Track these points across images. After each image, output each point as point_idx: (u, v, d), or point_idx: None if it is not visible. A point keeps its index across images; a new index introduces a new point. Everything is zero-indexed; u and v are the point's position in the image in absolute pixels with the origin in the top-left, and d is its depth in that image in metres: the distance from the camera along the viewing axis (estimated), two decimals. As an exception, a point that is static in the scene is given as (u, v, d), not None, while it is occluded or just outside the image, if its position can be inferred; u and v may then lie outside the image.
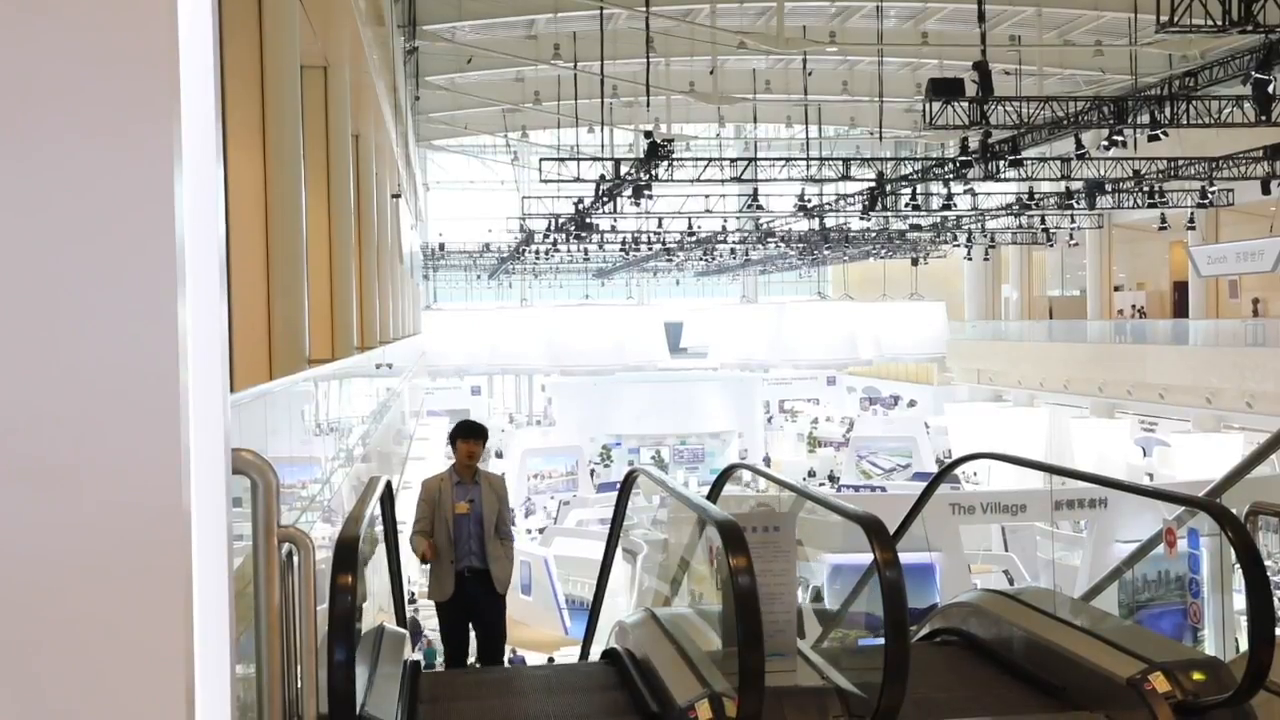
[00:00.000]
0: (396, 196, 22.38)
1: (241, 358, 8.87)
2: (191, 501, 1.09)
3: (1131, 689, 4.17)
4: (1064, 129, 22.12)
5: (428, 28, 26.04)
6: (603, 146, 30.35)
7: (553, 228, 33.55)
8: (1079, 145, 23.59)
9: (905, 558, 4.45)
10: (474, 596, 7.35)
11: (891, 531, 4.77)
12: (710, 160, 27.44)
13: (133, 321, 1.07)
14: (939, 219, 34.74)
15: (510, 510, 7.59)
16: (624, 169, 24.85)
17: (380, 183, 19.07)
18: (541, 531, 32.08)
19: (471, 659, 7.96)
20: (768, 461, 42.89)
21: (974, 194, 31.98)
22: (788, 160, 28.62)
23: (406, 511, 7.81)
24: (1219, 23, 14.15)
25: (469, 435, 7.61)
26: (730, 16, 28.61)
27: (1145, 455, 30.94)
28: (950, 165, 26.10)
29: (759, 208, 29.68)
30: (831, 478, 39.27)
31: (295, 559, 3.11)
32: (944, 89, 19.18)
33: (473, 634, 7.75)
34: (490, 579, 7.36)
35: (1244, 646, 4.43)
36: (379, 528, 6.08)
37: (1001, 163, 23.95)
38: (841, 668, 4.38)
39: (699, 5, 27.91)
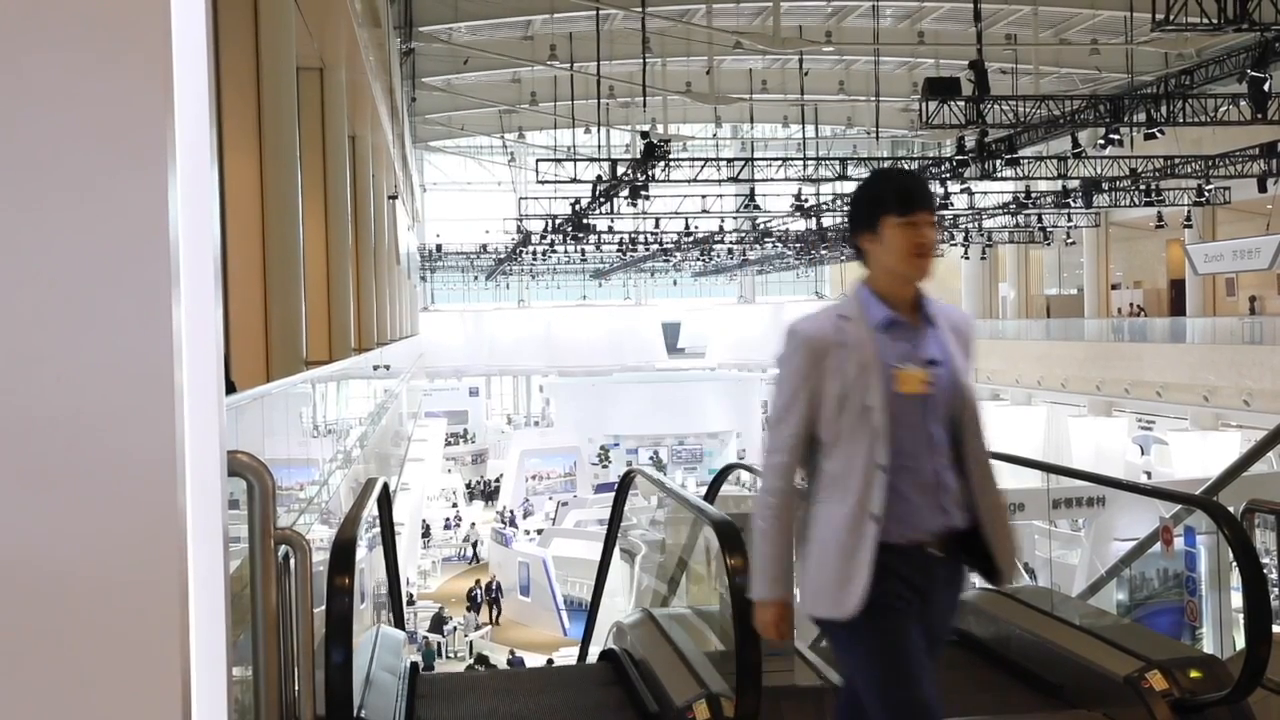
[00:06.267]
0: (393, 198, 22.37)
1: (239, 359, 8.87)
2: (187, 504, 1.09)
3: (1129, 687, 4.17)
4: (1060, 128, 22.15)
5: (424, 29, 26.07)
6: (599, 147, 30.36)
7: (550, 228, 33.56)
8: (1075, 144, 23.62)
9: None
10: (929, 603, 3.02)
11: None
12: (707, 160, 27.47)
13: (127, 324, 1.07)
14: (935, 218, 34.71)
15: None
16: (621, 169, 24.85)
17: (377, 184, 19.07)
18: (540, 533, 32.10)
19: None
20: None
21: (971, 193, 32.00)
22: (784, 160, 28.64)
23: (404, 513, 7.41)
24: (1214, 21, 14.18)
25: (911, 204, 3.14)
26: (726, 16, 28.63)
27: (1143, 453, 30.98)
28: (947, 164, 26.11)
29: (756, 207, 29.71)
30: (830, 477, 39.22)
31: (292, 561, 3.11)
32: (940, 88, 19.20)
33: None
34: (988, 566, 3.06)
35: (1241, 644, 4.43)
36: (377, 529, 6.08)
37: (998, 162, 23.97)
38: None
39: (695, 5, 27.92)
